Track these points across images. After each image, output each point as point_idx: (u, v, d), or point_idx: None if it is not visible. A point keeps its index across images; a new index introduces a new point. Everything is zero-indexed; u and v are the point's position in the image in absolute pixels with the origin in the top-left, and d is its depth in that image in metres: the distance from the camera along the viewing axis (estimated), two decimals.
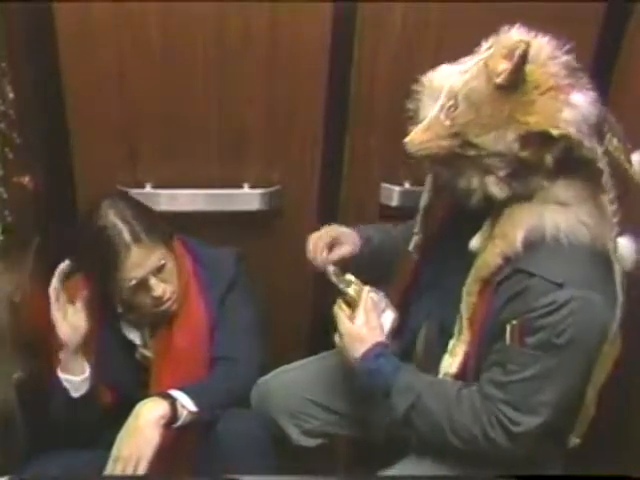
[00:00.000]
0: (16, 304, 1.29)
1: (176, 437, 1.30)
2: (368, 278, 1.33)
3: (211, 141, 1.67)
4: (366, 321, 1.25)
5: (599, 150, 1.05)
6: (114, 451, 1.23)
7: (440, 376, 1.24)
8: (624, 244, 1.10)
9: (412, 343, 1.36)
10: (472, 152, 1.06)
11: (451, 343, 1.23)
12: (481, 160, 1.06)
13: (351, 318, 1.26)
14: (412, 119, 1.14)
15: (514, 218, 1.10)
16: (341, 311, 1.27)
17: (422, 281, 1.36)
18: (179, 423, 1.28)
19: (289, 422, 1.46)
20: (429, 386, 1.21)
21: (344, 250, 1.40)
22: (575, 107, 1.02)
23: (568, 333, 1.07)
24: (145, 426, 1.23)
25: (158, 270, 1.37)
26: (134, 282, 1.34)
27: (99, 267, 1.36)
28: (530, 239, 1.09)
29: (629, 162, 1.14)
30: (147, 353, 1.48)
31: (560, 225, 1.08)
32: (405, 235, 1.41)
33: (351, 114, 1.65)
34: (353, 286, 1.30)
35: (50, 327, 1.35)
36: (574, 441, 1.22)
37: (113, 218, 1.33)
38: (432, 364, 1.27)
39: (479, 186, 1.08)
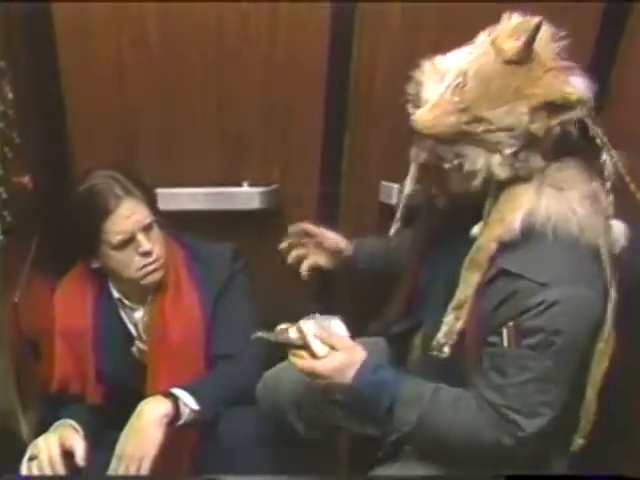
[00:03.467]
0: (16, 304, 1.29)
1: (178, 435, 1.31)
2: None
3: (210, 140, 1.68)
4: (330, 347, 1.19)
5: (599, 129, 1.07)
6: (117, 450, 1.24)
7: (434, 343, 1.19)
8: (617, 226, 1.14)
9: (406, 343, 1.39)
10: (481, 128, 1.07)
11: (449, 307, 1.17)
12: (489, 136, 1.07)
13: (313, 356, 1.18)
14: (412, 103, 1.15)
15: (511, 201, 1.11)
16: (299, 358, 1.20)
17: (422, 281, 1.35)
18: (181, 421, 1.29)
19: (295, 414, 1.46)
20: (432, 396, 1.18)
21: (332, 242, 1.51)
22: (576, 87, 1.06)
23: (564, 331, 1.07)
24: (148, 425, 1.24)
25: (145, 229, 1.37)
26: (122, 237, 1.34)
27: (87, 227, 1.35)
28: (526, 223, 1.09)
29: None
30: (143, 346, 1.48)
31: (551, 213, 1.08)
32: (404, 243, 1.42)
33: (350, 112, 1.65)
34: (290, 330, 1.22)
35: (50, 327, 1.35)
36: (578, 442, 1.20)
37: (103, 177, 1.36)
38: (428, 367, 1.26)
39: (484, 166, 1.09)
